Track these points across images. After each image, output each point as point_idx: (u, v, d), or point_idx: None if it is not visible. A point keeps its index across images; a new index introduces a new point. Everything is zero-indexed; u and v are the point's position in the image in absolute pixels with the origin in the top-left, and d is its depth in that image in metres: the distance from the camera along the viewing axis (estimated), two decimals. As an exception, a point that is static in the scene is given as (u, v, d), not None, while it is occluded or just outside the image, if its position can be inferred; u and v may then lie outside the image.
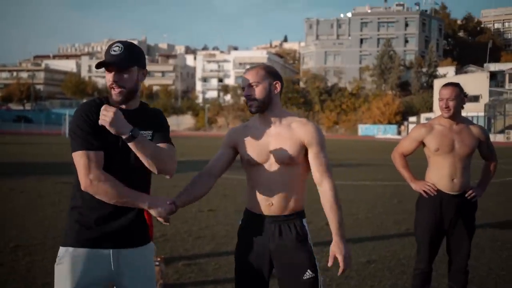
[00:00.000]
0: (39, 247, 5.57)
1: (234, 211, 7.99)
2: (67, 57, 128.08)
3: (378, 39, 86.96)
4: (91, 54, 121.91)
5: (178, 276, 4.69)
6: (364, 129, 67.11)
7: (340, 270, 2.38)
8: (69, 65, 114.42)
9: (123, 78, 2.18)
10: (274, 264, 2.46)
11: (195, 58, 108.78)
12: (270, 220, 2.44)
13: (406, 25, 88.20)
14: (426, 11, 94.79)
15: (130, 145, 2.10)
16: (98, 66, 2.15)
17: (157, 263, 4.31)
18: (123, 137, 2.09)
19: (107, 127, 2.05)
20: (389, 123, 66.60)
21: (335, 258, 2.38)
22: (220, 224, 7.05)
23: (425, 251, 3.59)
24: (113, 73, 2.17)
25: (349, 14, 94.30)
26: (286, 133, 2.42)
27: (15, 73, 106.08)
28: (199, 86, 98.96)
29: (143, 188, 2.27)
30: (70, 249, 2.16)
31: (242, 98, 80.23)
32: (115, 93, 2.18)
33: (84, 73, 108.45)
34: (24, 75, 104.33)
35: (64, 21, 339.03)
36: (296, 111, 72.52)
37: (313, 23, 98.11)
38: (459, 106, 3.47)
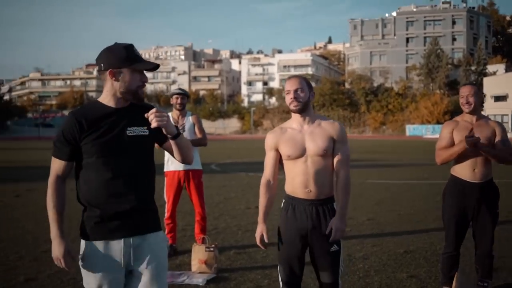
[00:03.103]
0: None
1: (278, 208, 8.43)
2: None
3: (425, 37, 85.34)
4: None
5: (230, 262, 5.24)
6: (412, 129, 66.03)
7: (331, 238, 2.92)
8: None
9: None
10: (309, 238, 3.01)
11: (240, 62, 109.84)
12: (308, 203, 3.00)
13: (453, 23, 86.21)
14: (473, 8, 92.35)
15: (174, 141, 2.43)
16: (153, 69, 2.40)
17: (211, 248, 4.87)
18: (170, 136, 2.40)
19: (165, 126, 2.33)
20: (438, 122, 65.22)
21: (331, 229, 2.92)
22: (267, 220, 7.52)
23: (451, 236, 4.01)
24: (143, 74, 2.42)
25: (394, 14, 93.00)
26: (318, 131, 3.01)
27: (68, 81, 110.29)
28: (244, 89, 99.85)
29: (148, 190, 2.46)
30: (87, 242, 2.38)
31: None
32: (142, 91, 2.43)
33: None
34: (77, 83, 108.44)
35: (114, 29, 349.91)
36: (342, 113, 72.19)
37: (357, 23, 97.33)
38: (478, 103, 3.88)
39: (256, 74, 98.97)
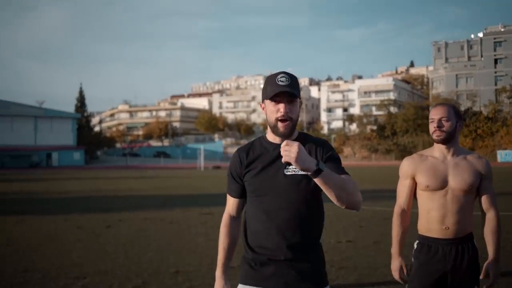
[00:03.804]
0: (196, 273, 6.07)
1: (373, 242, 7.97)
2: (200, 95, 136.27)
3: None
4: (221, 92, 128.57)
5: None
6: (504, 155, 62.08)
7: (489, 283, 2.75)
8: (201, 103, 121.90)
9: (292, 109, 2.17)
10: (449, 281, 2.74)
11: (319, 89, 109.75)
12: (445, 243, 2.74)
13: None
14: None
15: (317, 180, 1.97)
16: (273, 97, 2.15)
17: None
18: (309, 173, 1.96)
19: (293, 163, 1.93)
20: (533, 147, 61.05)
21: (487, 273, 2.76)
22: (361, 255, 7.08)
23: None
24: (283, 104, 2.16)
25: (480, 34, 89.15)
26: (464, 164, 2.77)
27: (154, 112, 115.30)
28: (324, 116, 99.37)
29: (308, 237, 2.21)
30: (240, 285, 2.28)
31: (369, 127, 78.08)
32: (283, 125, 2.17)
33: (215, 110, 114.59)
34: (162, 113, 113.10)
35: (196, 61, 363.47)
36: (427, 138, 69.47)
37: (441, 46, 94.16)
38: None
39: (336, 101, 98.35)
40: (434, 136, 2.77)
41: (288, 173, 2.18)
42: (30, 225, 10.52)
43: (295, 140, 2.22)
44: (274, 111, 2.17)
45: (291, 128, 2.19)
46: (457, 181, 2.72)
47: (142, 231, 9.54)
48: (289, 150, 1.93)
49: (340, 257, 6.98)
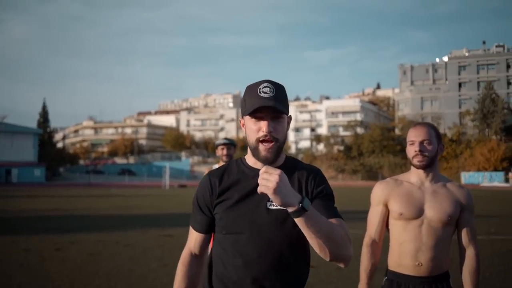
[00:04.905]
0: (144, 304, 5.57)
1: (336, 268, 7.60)
2: (167, 112, 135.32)
3: (478, 82, 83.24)
4: (189, 109, 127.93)
5: None
6: (468, 177, 63.35)
7: None
8: (169, 120, 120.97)
9: (277, 128, 1.74)
10: None
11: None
12: (417, 281, 2.38)
13: (508, 66, 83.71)
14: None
15: (298, 221, 1.55)
16: (253, 112, 1.72)
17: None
18: (290, 210, 1.53)
19: (270, 195, 1.50)
20: (495, 170, 62.42)
21: None
22: (322, 282, 6.70)
23: None
24: (266, 121, 1.72)
25: (445, 59, 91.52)
26: (443, 192, 2.44)
27: (120, 129, 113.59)
28: (292, 136, 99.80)
29: (300, 284, 1.80)
30: None
31: (336, 147, 78.67)
32: (266, 148, 1.73)
33: (183, 128, 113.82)
34: (128, 130, 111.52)
35: (164, 79, 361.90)
36: (393, 159, 70.41)
37: (407, 69, 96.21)
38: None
39: (304, 121, 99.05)
40: (415, 161, 2.43)
41: (272, 207, 1.74)
42: (-28, 248, 9.77)
43: (281, 166, 1.79)
44: (255, 130, 1.74)
45: (275, 152, 1.75)
46: (434, 210, 2.40)
47: (94, 255, 8.92)
48: (267, 179, 1.50)
49: (315, 279, 6.57)
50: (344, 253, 1.62)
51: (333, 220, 1.67)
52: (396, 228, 2.45)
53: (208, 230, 1.88)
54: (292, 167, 1.82)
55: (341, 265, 1.67)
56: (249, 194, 1.76)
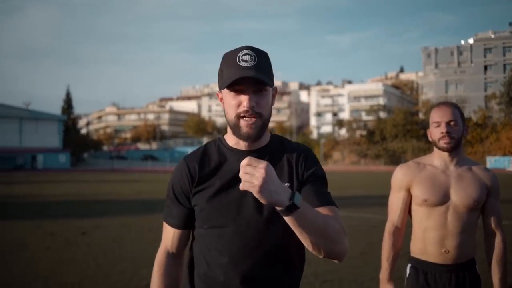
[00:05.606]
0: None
1: (359, 253, 7.55)
2: (189, 98, 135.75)
3: (504, 64, 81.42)
4: (210, 95, 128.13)
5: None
6: (494, 162, 62.23)
7: None
8: (190, 106, 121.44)
9: (260, 102, 1.50)
10: None
11: (309, 94, 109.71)
12: (444, 269, 2.29)
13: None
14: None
15: (288, 219, 1.32)
16: (231, 85, 1.48)
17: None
18: (278, 208, 1.30)
19: (255, 193, 1.26)
20: (522, 154, 61.29)
21: None
22: (346, 267, 6.67)
23: None
24: (247, 95, 1.49)
25: (470, 41, 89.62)
26: (469, 176, 2.32)
27: (142, 115, 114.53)
28: (313, 121, 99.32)
29: (294, 283, 1.60)
30: None
31: (358, 132, 78.12)
32: (248, 123, 1.50)
33: (204, 113, 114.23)
34: (150, 116, 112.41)
35: (186, 64, 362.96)
36: (416, 144, 69.56)
37: (431, 51, 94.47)
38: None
39: (326, 106, 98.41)
40: (442, 143, 2.29)
41: None
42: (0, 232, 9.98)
43: (266, 146, 1.59)
44: (234, 105, 1.50)
45: (259, 128, 1.50)
46: (461, 195, 2.29)
47: (118, 239, 9.04)
48: (251, 174, 1.25)
49: (324, 269, 6.56)
50: (339, 249, 1.44)
51: (326, 209, 1.48)
52: (419, 214, 2.36)
53: (186, 225, 1.64)
54: (279, 147, 1.61)
55: (336, 261, 1.50)
56: (233, 180, 1.51)
